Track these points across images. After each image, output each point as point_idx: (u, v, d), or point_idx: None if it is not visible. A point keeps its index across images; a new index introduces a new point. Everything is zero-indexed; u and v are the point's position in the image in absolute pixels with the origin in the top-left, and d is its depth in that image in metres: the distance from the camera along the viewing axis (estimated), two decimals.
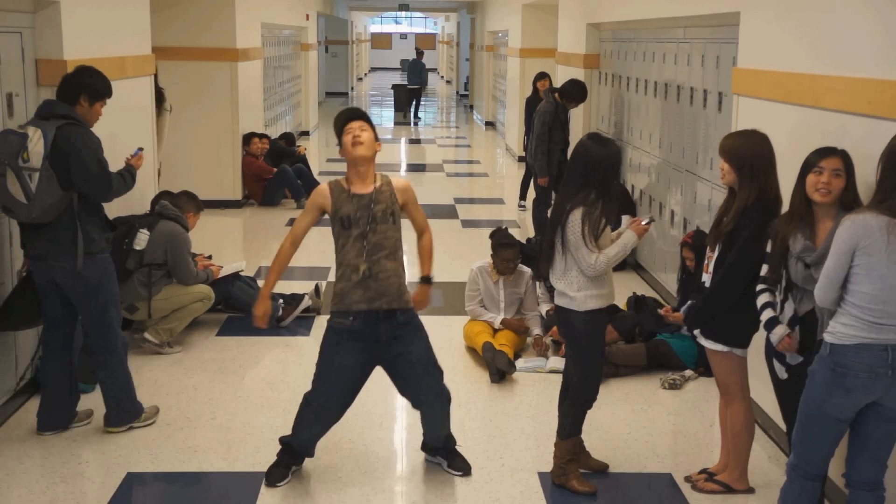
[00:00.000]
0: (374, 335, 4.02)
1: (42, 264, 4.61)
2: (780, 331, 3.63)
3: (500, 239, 6.23)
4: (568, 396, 4.33)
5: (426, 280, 4.29)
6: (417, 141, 19.81)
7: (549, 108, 8.95)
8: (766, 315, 3.70)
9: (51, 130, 4.44)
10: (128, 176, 4.81)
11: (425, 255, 4.31)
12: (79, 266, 4.54)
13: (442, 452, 4.45)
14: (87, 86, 4.67)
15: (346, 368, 4.06)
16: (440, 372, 4.24)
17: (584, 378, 4.25)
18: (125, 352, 4.92)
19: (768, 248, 3.76)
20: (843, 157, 3.56)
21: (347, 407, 4.23)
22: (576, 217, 4.06)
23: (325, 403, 4.15)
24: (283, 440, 4.33)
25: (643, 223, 4.25)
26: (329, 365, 4.08)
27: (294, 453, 4.32)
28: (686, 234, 6.10)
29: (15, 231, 5.07)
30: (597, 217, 4.06)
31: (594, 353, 4.23)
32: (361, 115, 4.20)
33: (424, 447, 4.50)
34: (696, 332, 4.19)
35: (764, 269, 3.79)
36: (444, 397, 4.27)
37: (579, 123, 10.02)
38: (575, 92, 8.97)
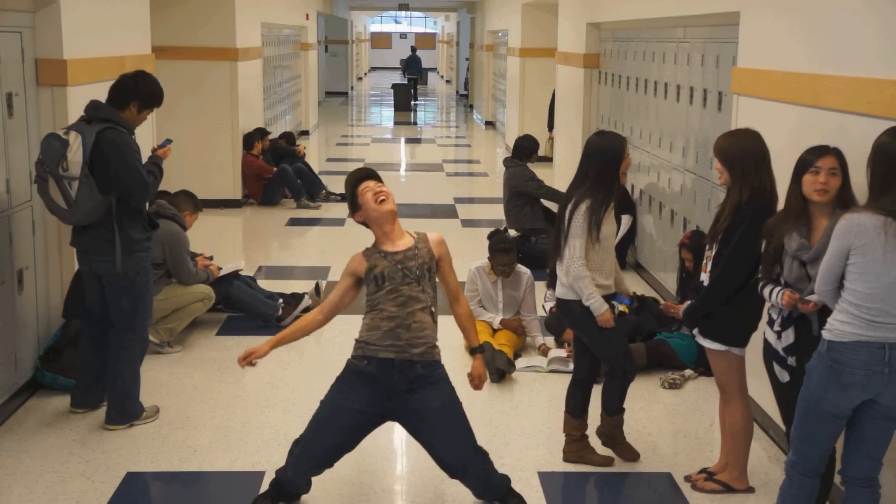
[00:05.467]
0: (387, 384, 3.69)
1: (85, 257, 4.78)
2: (775, 291, 3.57)
3: (497, 243, 6.24)
4: (611, 378, 4.45)
5: (479, 350, 3.97)
6: (417, 140, 19.82)
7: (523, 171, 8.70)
8: (776, 292, 3.61)
9: (91, 136, 4.52)
10: (156, 170, 4.86)
11: (470, 325, 3.98)
12: (118, 267, 4.67)
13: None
14: (142, 94, 4.75)
15: (347, 410, 3.73)
16: (470, 437, 3.79)
17: (609, 356, 4.39)
18: (142, 354, 4.97)
19: (762, 249, 3.77)
20: (838, 155, 3.58)
21: (341, 452, 3.85)
22: (582, 209, 4.21)
23: (314, 440, 3.80)
24: (277, 473, 4.00)
25: (616, 311, 4.32)
26: (331, 400, 3.80)
27: (282, 491, 3.97)
28: (684, 234, 6.10)
29: (15, 231, 5.07)
30: (599, 207, 4.22)
31: (604, 330, 4.29)
32: (374, 175, 3.89)
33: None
34: (695, 331, 4.21)
35: (759, 272, 3.79)
36: (476, 462, 3.79)
37: (579, 124, 10.03)
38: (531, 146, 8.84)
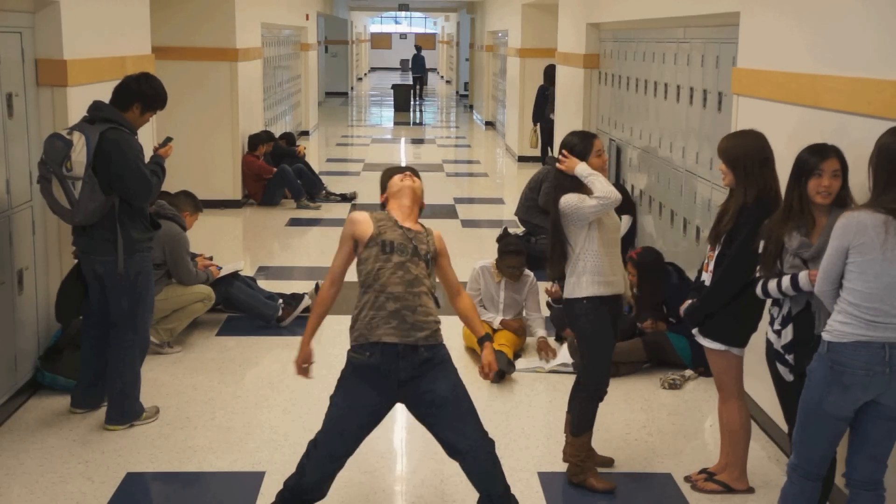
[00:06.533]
0: (394, 372, 3.58)
1: (86, 257, 4.78)
2: (804, 277, 3.51)
3: (507, 246, 6.28)
4: (578, 390, 4.35)
5: (487, 339, 3.89)
6: (417, 140, 19.84)
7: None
8: (786, 280, 3.56)
9: (94, 136, 4.54)
10: (159, 170, 4.87)
11: (474, 315, 3.96)
12: (119, 267, 4.68)
13: None
14: (145, 96, 4.77)
15: (359, 410, 3.64)
16: (476, 417, 3.71)
17: (589, 367, 4.30)
18: (143, 355, 4.98)
19: (760, 249, 3.76)
20: (839, 156, 3.59)
21: (359, 444, 3.76)
22: (567, 200, 4.16)
23: (333, 441, 3.69)
24: (286, 484, 3.78)
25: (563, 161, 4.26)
26: (342, 402, 3.67)
27: (298, 501, 3.76)
28: (635, 249, 6.07)
29: (15, 231, 5.08)
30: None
31: (597, 341, 4.25)
32: (413, 170, 4.02)
33: None
34: (695, 330, 4.21)
35: (758, 271, 3.78)
36: (485, 447, 3.68)
37: (579, 124, 10.03)
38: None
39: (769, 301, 3.81)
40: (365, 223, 3.71)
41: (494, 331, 6.13)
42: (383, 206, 3.95)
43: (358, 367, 3.63)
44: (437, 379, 3.64)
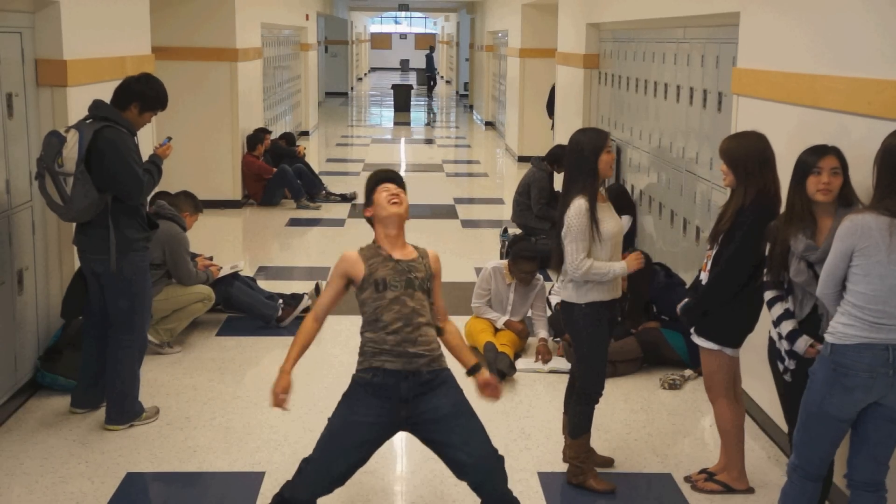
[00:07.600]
0: (396, 393, 3.54)
1: (85, 256, 4.80)
2: (802, 343, 3.58)
3: (522, 251, 6.31)
4: (574, 393, 4.34)
5: (478, 368, 3.75)
6: (417, 141, 19.84)
7: (543, 175, 8.68)
8: (787, 327, 3.64)
9: (88, 133, 4.55)
10: (154, 170, 4.86)
11: (462, 343, 3.83)
12: (112, 266, 4.68)
13: None
14: (144, 96, 4.77)
15: (359, 424, 3.56)
16: (482, 433, 3.62)
17: (585, 372, 4.27)
18: (141, 355, 4.98)
19: (766, 252, 3.77)
20: (838, 154, 3.59)
21: (354, 470, 3.62)
22: (579, 206, 4.08)
23: (328, 460, 3.59)
24: (283, 490, 3.69)
25: (640, 260, 4.23)
26: (342, 418, 3.61)
27: None
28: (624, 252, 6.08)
29: (15, 231, 5.08)
30: (589, 203, 4.10)
31: (595, 346, 4.23)
32: (398, 179, 3.79)
33: None
34: (691, 329, 4.21)
35: (765, 275, 3.79)
36: (492, 463, 3.60)
37: (579, 125, 10.03)
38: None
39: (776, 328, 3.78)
40: (357, 264, 3.63)
41: (497, 330, 6.16)
42: (370, 220, 3.79)
43: (361, 385, 3.59)
44: (437, 397, 3.59)
